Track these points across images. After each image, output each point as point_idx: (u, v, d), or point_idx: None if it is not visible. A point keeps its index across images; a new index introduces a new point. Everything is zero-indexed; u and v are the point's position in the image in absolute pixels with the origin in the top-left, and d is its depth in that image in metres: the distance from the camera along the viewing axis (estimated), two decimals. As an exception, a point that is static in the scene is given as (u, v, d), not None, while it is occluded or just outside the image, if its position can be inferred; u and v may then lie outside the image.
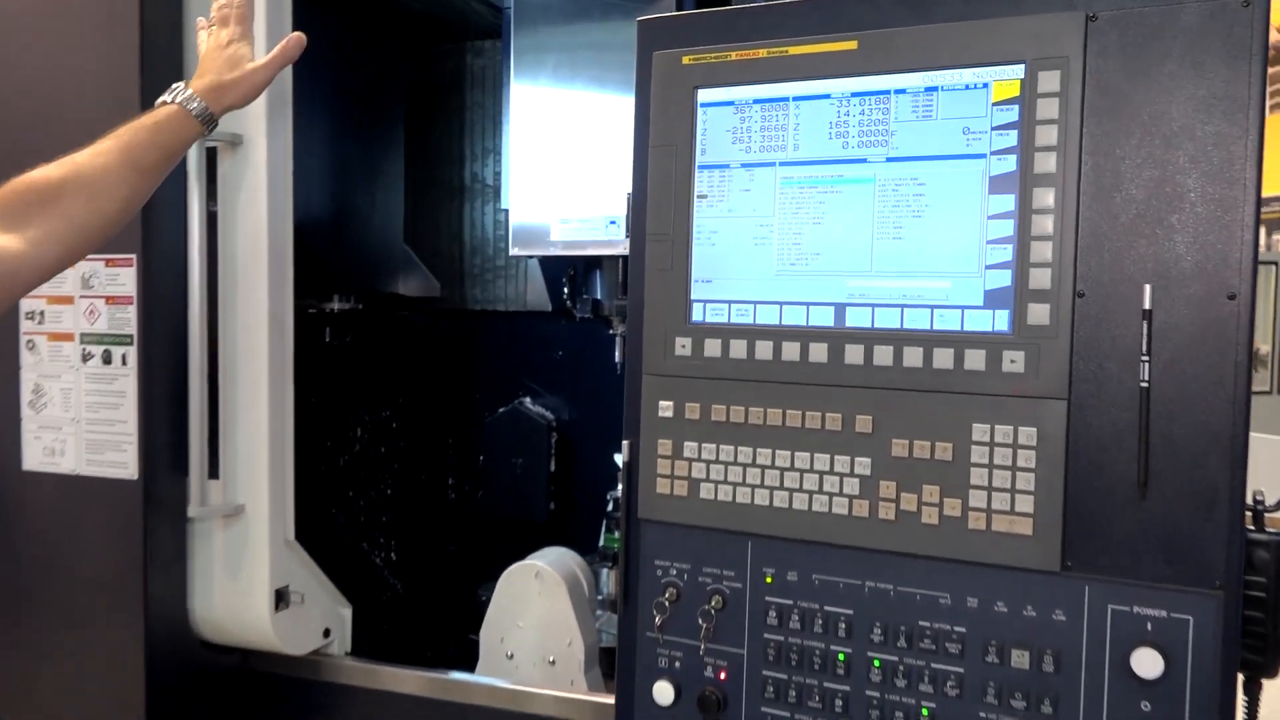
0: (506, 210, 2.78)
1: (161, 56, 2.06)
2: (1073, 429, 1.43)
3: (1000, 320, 1.47)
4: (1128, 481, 1.39)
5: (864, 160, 1.59)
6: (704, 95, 1.68)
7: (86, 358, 2.10)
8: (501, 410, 3.22)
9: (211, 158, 2.10)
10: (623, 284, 2.61)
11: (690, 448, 1.68)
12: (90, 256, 2.08)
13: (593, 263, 2.66)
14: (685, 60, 1.68)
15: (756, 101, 1.65)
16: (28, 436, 2.18)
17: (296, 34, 1.87)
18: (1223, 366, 1.35)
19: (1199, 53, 1.36)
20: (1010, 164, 1.48)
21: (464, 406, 3.33)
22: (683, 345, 1.69)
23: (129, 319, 2.07)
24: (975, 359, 1.48)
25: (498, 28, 3.03)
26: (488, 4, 2.92)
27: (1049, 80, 1.44)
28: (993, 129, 1.49)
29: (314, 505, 2.59)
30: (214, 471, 2.15)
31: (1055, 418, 1.44)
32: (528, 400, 3.24)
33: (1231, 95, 1.35)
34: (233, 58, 1.80)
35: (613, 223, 2.47)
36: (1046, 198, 1.46)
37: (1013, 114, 1.48)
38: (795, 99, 1.63)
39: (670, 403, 1.70)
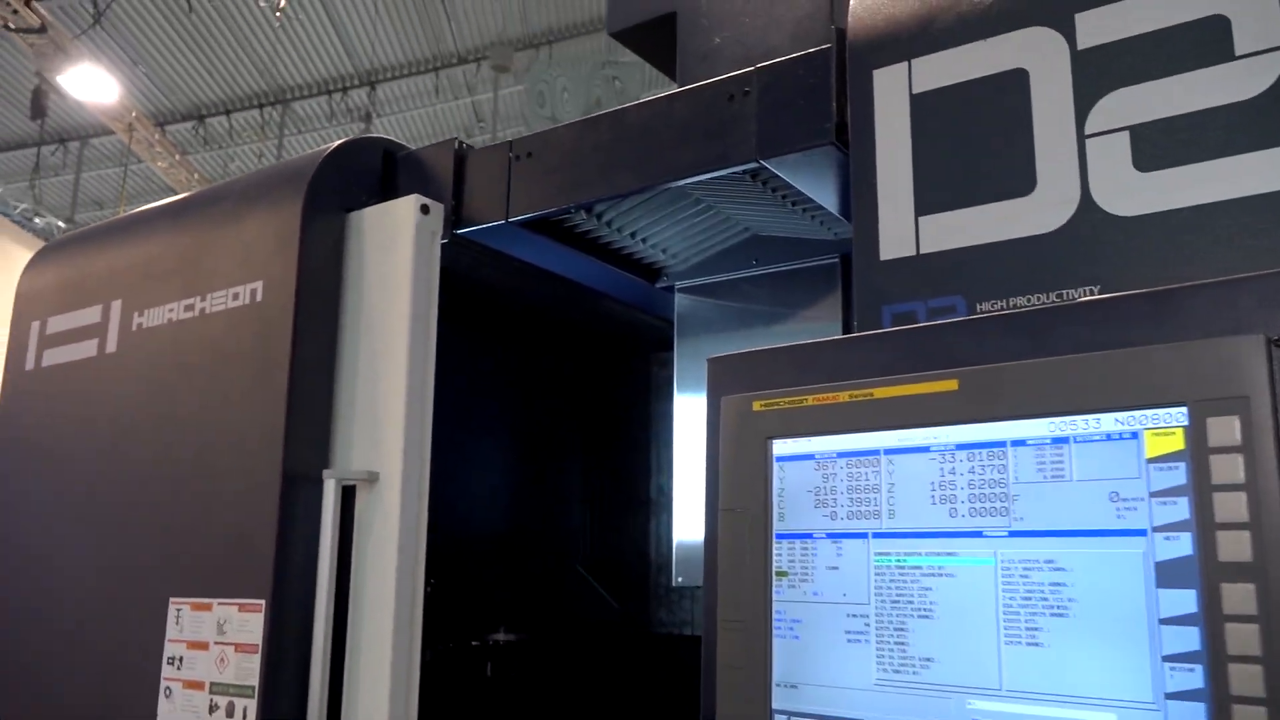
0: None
1: (310, 403, 2.11)
2: None
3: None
4: None
5: (979, 534, 1.22)
6: (779, 447, 1.39)
7: (213, 709, 2.05)
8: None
9: (349, 496, 2.09)
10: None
11: None
12: (224, 599, 2.07)
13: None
14: (756, 406, 1.41)
15: (841, 455, 1.34)
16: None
17: None
18: None
19: None
20: (1184, 545, 1.06)
21: (651, 740, 3.01)
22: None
23: (253, 669, 2.01)
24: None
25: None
26: (664, 319, 2.88)
27: (1224, 429, 1.04)
28: (1152, 496, 1.09)
29: None
30: None
31: None
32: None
33: None
34: None
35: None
36: (1245, 597, 1.01)
37: (1179, 475, 1.07)
38: (887, 452, 1.30)
39: None
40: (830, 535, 1.35)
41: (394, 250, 2.15)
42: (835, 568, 1.34)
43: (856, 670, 1.29)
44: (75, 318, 2.58)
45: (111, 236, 2.67)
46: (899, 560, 1.29)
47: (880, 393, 1.32)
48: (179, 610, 2.13)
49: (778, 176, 1.99)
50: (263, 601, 2.00)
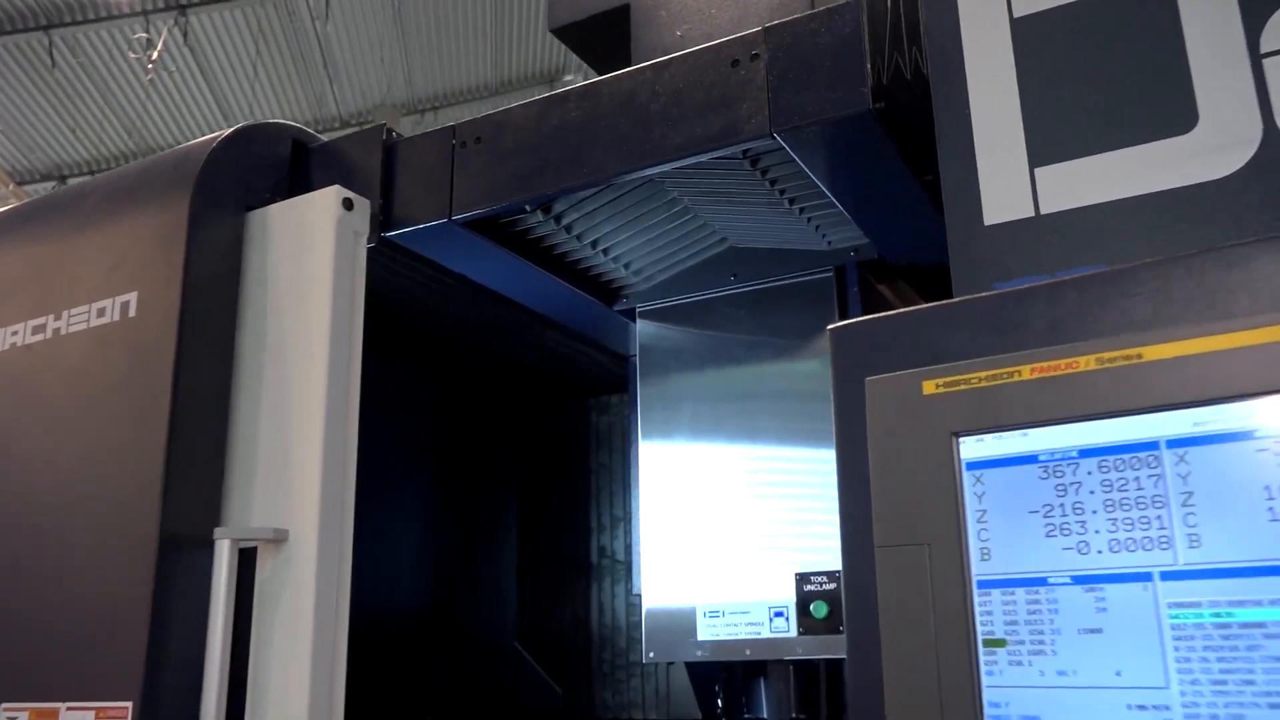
0: (637, 595, 2.20)
1: (197, 443, 1.66)
2: None
3: None
4: None
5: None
6: (972, 448, 0.96)
7: None
8: None
9: (247, 560, 1.63)
10: (797, 697, 1.93)
11: None
12: (77, 704, 1.57)
13: (754, 667, 2.00)
14: (929, 387, 0.99)
15: (1088, 453, 0.91)
16: None
17: None
18: None
19: None
20: None
21: None
22: None
23: (115, 796, 1.51)
24: None
25: (624, 379, 2.61)
26: (610, 354, 2.52)
27: None
28: None
29: None
30: None
31: None
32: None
33: None
34: None
35: (779, 614, 1.85)
36: None
37: None
38: (1173, 444, 0.88)
39: None
40: (1081, 579, 0.90)
41: (308, 254, 1.74)
42: (1096, 630, 0.88)
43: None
44: (-111, 349, 2.06)
45: (-61, 251, 2.16)
46: (1215, 615, 0.86)
47: (1154, 352, 0.89)
48: (13, 719, 1.62)
49: (782, 163, 1.68)
50: (129, 704, 1.52)
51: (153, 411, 1.64)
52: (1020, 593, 0.93)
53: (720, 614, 1.91)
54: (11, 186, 11.62)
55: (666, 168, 1.64)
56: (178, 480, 1.61)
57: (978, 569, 0.95)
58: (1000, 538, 0.95)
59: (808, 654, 1.83)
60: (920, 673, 0.94)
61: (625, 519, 2.72)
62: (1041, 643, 0.92)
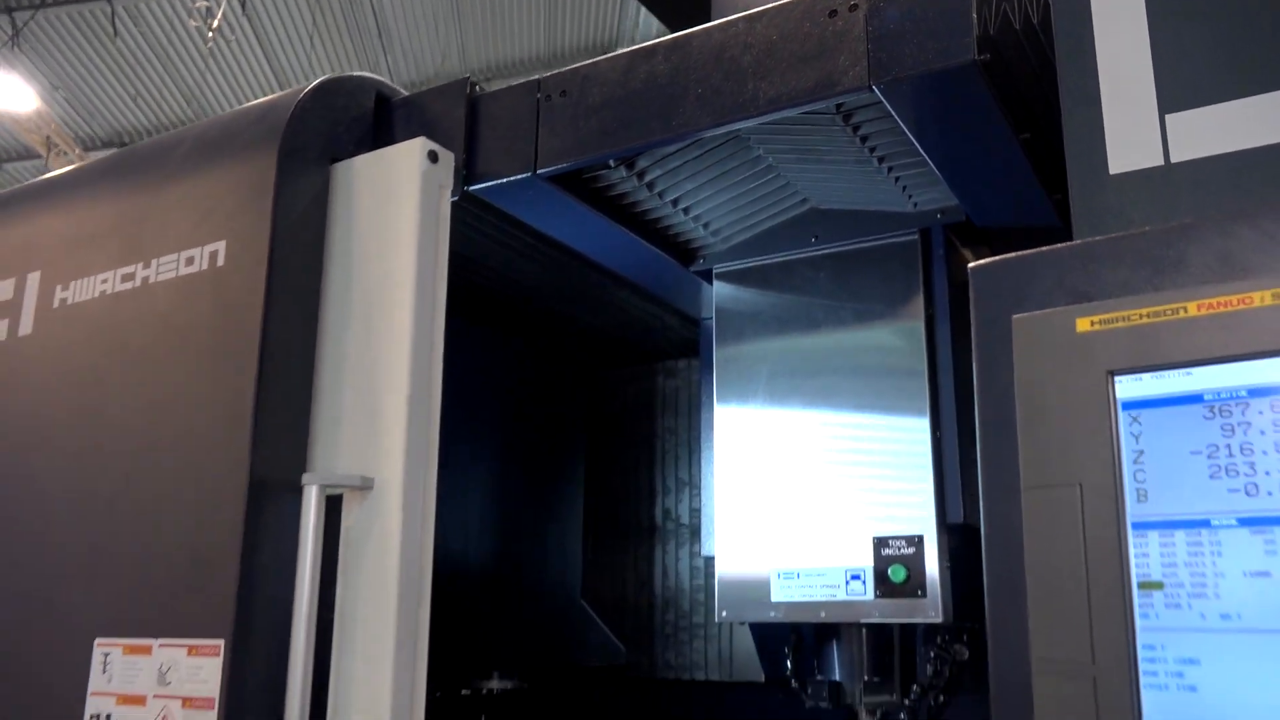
0: (709, 558, 2.20)
1: (286, 391, 1.68)
2: None
3: None
4: None
5: None
6: (1130, 387, 0.94)
7: (149, 785, 1.57)
8: (704, 816, 2.46)
9: (334, 507, 1.65)
10: (870, 659, 1.92)
11: None
12: (170, 640, 1.60)
13: (826, 630, 1.99)
14: (1083, 325, 0.96)
15: (1259, 393, 0.89)
16: None
17: None
18: None
19: None
20: None
21: (657, 808, 2.59)
22: None
23: (205, 732, 1.54)
24: None
25: (693, 343, 2.60)
26: (681, 315, 2.51)
27: None
28: None
29: None
30: None
31: None
32: (738, 804, 2.47)
33: None
34: None
35: (855, 576, 1.83)
36: None
37: None
38: None
39: None
40: (1248, 521, 0.88)
41: (393, 205, 1.74)
42: (1264, 573, 0.87)
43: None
44: (-21, 295, 2.11)
45: (26, 201, 2.21)
46: None
47: None
48: (107, 654, 1.66)
49: (876, 118, 1.65)
50: (220, 642, 1.54)
51: (242, 359, 1.66)
52: (1180, 535, 0.92)
53: (796, 576, 1.90)
54: (78, 152, 11.85)
55: (756, 122, 1.62)
56: (266, 427, 1.63)
57: (1134, 511, 0.93)
58: (1158, 479, 0.94)
59: (884, 617, 1.81)
60: (1070, 617, 0.92)
61: (690, 483, 2.72)
62: (1203, 586, 0.90)
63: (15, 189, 2.32)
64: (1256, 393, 0.92)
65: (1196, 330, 0.92)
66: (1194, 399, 0.94)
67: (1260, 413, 0.91)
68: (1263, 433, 0.90)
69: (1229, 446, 0.91)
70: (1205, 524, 0.91)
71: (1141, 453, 0.94)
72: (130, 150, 2.12)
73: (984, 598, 0.98)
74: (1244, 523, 0.90)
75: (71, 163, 12.09)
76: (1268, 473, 0.89)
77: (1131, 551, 0.92)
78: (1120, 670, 0.90)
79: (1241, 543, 0.89)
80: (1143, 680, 0.90)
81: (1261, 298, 0.89)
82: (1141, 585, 0.91)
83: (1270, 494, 0.89)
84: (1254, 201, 0.99)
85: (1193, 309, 0.92)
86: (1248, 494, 0.89)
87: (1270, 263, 0.91)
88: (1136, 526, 0.93)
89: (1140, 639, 0.90)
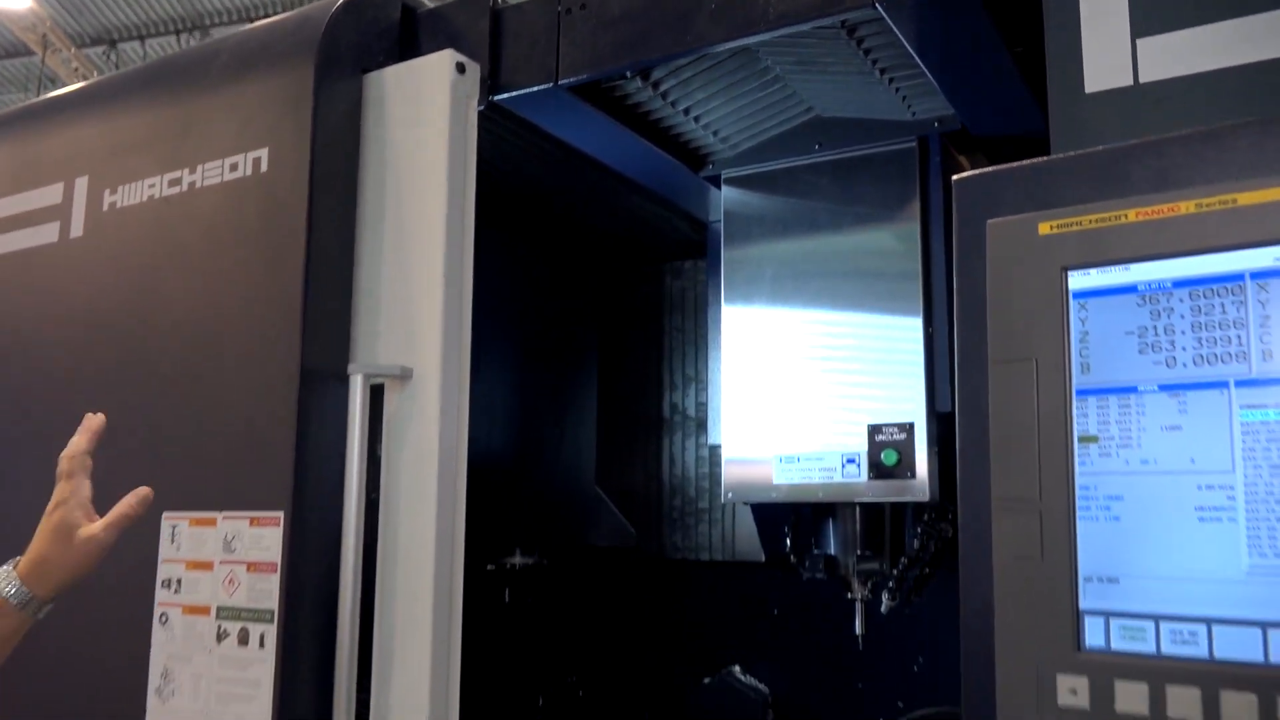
0: (714, 446, 2.37)
1: (330, 288, 1.82)
2: None
3: None
4: None
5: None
6: (1079, 280, 1.13)
7: (221, 636, 1.77)
8: (707, 680, 2.69)
9: (377, 395, 1.81)
10: (863, 536, 2.11)
11: None
12: (232, 513, 1.78)
13: (823, 510, 2.18)
14: (1044, 228, 1.14)
15: (1182, 284, 1.08)
16: (147, 734, 1.83)
17: (144, 489, 1.51)
18: None
19: None
20: None
21: (662, 674, 2.82)
22: (1071, 690, 1.08)
23: (271, 590, 1.73)
24: None
25: (699, 245, 2.74)
26: (690, 219, 2.64)
27: None
28: None
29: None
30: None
31: None
32: (737, 669, 2.70)
33: None
34: (60, 526, 1.42)
35: (850, 460, 2.01)
36: None
37: None
38: (1256, 276, 1.04)
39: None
40: (1166, 387, 1.08)
41: (424, 115, 1.86)
42: (1176, 427, 1.07)
43: (1216, 556, 1.04)
44: (29, 199, 2.23)
45: (70, 108, 2.31)
46: (1277, 415, 1.03)
47: (1248, 198, 1.02)
48: (175, 526, 1.84)
49: (878, 33, 1.76)
50: (280, 514, 1.72)
51: (289, 259, 1.80)
52: (1113, 399, 1.12)
53: (796, 460, 2.07)
54: (73, 50, 11.68)
55: (767, 36, 1.72)
56: (314, 321, 1.78)
57: (1078, 380, 1.14)
58: (1099, 354, 1.13)
59: (876, 497, 1.99)
60: (1024, 464, 1.13)
61: (696, 378, 2.89)
62: (1129, 438, 1.10)
63: (53, 96, 2.42)
64: (1179, 284, 1.11)
65: (1134, 233, 1.11)
66: (1130, 289, 1.13)
67: (1181, 300, 1.10)
68: (1182, 317, 1.10)
69: (1155, 328, 1.11)
70: (1133, 390, 1.11)
71: (1086, 333, 1.14)
72: (167, 60, 2.22)
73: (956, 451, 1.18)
74: (1163, 388, 1.10)
75: (66, 61, 11.94)
76: (1184, 349, 1.09)
77: (1074, 412, 1.13)
78: (1061, 505, 1.12)
79: (1160, 404, 1.10)
80: (1079, 514, 1.11)
81: (1187, 207, 1.07)
82: (1081, 439, 1.12)
83: (1184, 366, 1.09)
84: (1213, 118, 1.13)
85: (1132, 215, 1.10)
86: (1167, 366, 1.10)
87: (1195, 178, 1.08)
88: (1080, 393, 1.14)
89: (1078, 481, 1.12)
